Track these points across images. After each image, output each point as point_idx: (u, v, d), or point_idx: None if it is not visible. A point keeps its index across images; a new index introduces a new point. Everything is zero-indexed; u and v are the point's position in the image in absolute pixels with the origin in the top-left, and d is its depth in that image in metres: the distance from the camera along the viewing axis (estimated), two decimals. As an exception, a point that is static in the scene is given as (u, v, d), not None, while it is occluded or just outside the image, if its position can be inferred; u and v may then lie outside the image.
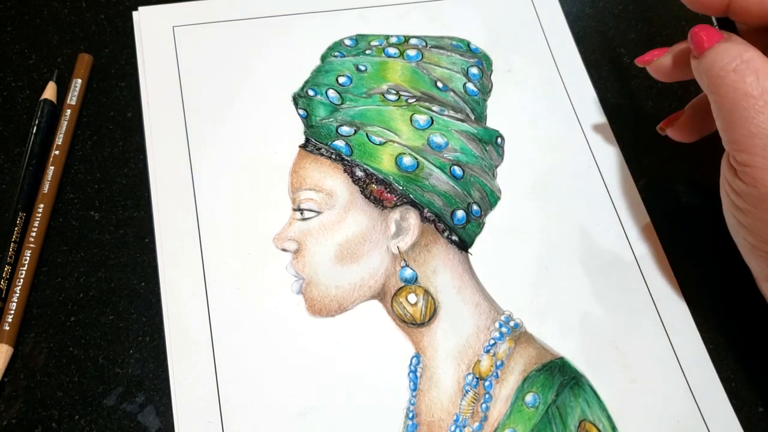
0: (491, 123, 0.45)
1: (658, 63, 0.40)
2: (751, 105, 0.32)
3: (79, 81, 0.43)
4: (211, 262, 0.38)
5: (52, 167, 0.40)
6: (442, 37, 0.47)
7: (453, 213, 0.40)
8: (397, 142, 0.41)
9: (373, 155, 0.41)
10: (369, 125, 0.42)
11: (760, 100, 0.32)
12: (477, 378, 0.37)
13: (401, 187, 0.40)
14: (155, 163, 0.41)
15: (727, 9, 0.36)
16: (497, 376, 0.37)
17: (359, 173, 0.40)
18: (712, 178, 0.37)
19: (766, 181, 0.32)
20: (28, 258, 0.38)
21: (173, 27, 0.45)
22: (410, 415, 0.36)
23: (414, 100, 0.43)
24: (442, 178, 0.41)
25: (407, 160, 0.41)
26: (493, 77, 0.47)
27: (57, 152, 0.41)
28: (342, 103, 0.43)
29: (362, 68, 0.44)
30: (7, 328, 0.36)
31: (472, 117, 0.44)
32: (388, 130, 0.42)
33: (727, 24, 0.38)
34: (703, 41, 0.35)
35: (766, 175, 0.32)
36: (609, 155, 0.45)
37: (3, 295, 0.36)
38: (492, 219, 0.42)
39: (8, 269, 0.37)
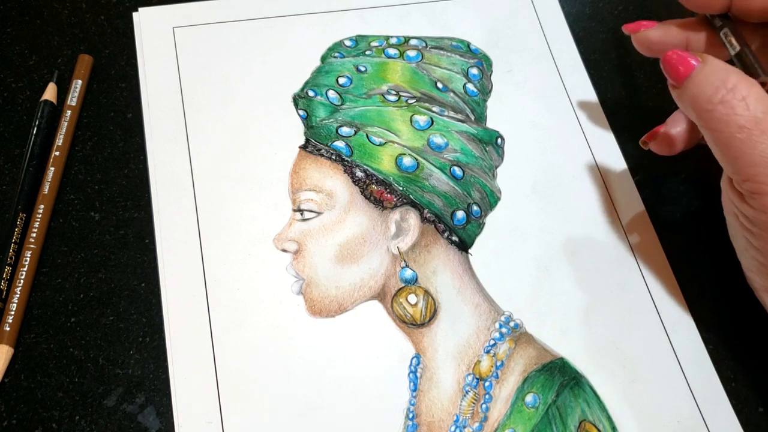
0: (491, 123, 0.45)
1: (644, 35, 0.39)
2: (748, 136, 0.31)
3: (80, 82, 0.43)
4: (211, 262, 0.38)
5: (52, 168, 0.40)
6: (441, 38, 0.47)
7: (453, 213, 0.40)
8: (397, 143, 0.41)
9: (373, 156, 0.41)
10: (369, 126, 0.42)
11: (756, 130, 0.31)
12: (477, 378, 0.37)
13: (401, 188, 0.40)
14: (155, 163, 0.41)
15: (728, 7, 0.36)
16: (497, 377, 0.37)
17: (359, 174, 0.40)
18: (713, 180, 0.37)
19: None
20: (28, 259, 0.38)
21: (173, 28, 0.45)
22: (410, 415, 0.36)
23: (414, 100, 0.43)
24: (442, 178, 0.41)
25: (407, 161, 0.41)
26: (493, 78, 0.47)
27: (57, 153, 0.41)
28: (342, 104, 0.43)
29: (362, 69, 0.44)
30: (8, 328, 0.36)
31: (472, 117, 0.44)
32: (388, 130, 0.42)
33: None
34: (679, 70, 0.34)
35: None
36: (609, 155, 0.45)
37: (3, 296, 0.37)
38: (492, 219, 0.42)
39: (8, 270, 0.37)
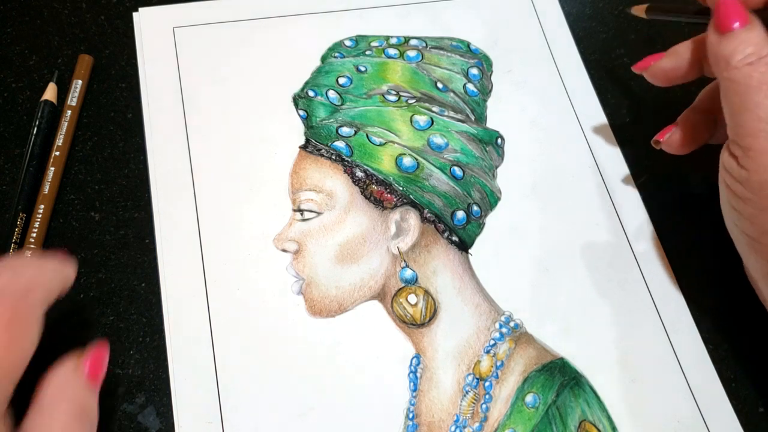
0: (491, 123, 0.45)
1: (656, 67, 0.40)
2: (764, 92, 0.33)
3: (80, 82, 0.43)
4: (211, 262, 0.38)
5: (52, 168, 0.40)
6: (442, 38, 0.47)
7: (453, 213, 0.40)
8: (398, 143, 0.41)
9: (373, 156, 0.41)
10: (369, 126, 0.42)
11: None
12: (477, 378, 0.37)
13: (401, 188, 0.40)
14: (155, 163, 0.41)
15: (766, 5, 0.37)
16: (497, 377, 0.37)
17: (359, 174, 0.40)
18: (713, 179, 0.37)
19: None
20: (28, 258, 0.38)
21: (173, 28, 0.45)
22: (410, 415, 0.36)
23: (414, 100, 0.43)
24: (442, 178, 0.41)
25: (407, 161, 0.41)
26: (493, 78, 0.47)
27: (57, 153, 0.41)
28: (342, 104, 0.43)
29: (362, 69, 0.44)
30: (8, 328, 0.36)
31: (472, 118, 0.44)
32: (389, 130, 0.42)
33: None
34: (728, 20, 0.35)
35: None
36: (609, 155, 0.45)
37: (3, 296, 0.36)
38: (492, 219, 0.42)
39: (9, 270, 0.37)
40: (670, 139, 0.41)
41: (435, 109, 0.43)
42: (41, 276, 0.29)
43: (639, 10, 0.43)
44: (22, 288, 0.28)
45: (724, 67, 0.34)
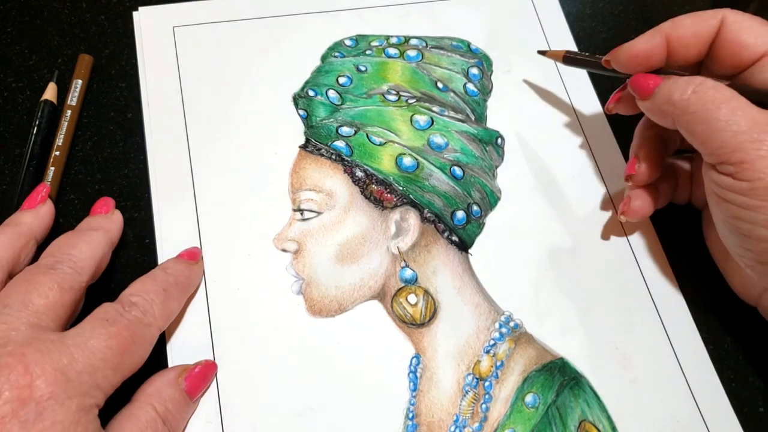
0: (491, 123, 0.45)
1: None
2: (722, 110, 0.33)
3: (80, 82, 0.43)
4: (211, 262, 0.38)
5: (52, 168, 0.40)
6: (442, 38, 0.47)
7: (453, 213, 0.40)
8: (398, 143, 0.41)
9: (373, 156, 0.41)
10: (369, 126, 0.42)
11: (729, 105, 0.33)
12: (477, 378, 0.37)
13: (401, 188, 0.40)
14: (155, 163, 0.41)
15: (666, 58, 0.38)
16: (497, 377, 0.37)
17: (359, 174, 0.40)
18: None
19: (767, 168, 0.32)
20: (28, 258, 0.38)
21: (173, 27, 0.45)
22: (410, 415, 0.36)
23: (414, 100, 0.43)
24: (443, 178, 0.41)
25: (407, 161, 0.41)
26: (493, 78, 0.47)
27: (57, 153, 0.41)
28: (342, 104, 0.43)
29: (362, 69, 0.44)
30: (8, 328, 0.36)
31: (473, 117, 0.44)
32: (389, 130, 0.42)
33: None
34: (647, 82, 0.37)
35: (766, 162, 0.32)
36: (609, 155, 0.45)
37: (3, 296, 0.37)
38: (492, 219, 0.42)
39: (9, 270, 0.37)
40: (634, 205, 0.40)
41: (435, 108, 0.43)
42: (153, 310, 0.33)
43: (556, 56, 0.44)
44: (145, 323, 0.33)
45: (672, 110, 0.35)
